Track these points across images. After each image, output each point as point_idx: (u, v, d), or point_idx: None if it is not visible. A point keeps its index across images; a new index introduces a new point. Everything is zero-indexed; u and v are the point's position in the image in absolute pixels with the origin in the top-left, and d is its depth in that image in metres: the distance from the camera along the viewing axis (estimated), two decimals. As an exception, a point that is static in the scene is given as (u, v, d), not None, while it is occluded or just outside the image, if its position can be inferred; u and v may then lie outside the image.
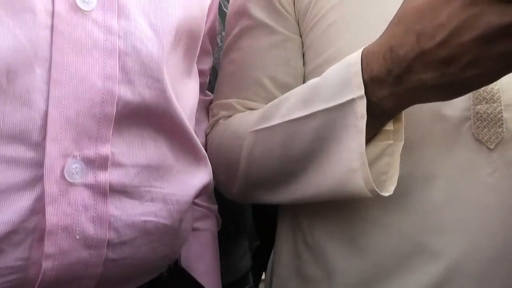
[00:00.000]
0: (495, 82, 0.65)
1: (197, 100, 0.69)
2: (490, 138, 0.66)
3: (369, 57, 0.57)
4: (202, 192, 0.64)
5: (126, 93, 0.51)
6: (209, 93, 0.88)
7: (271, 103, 0.71)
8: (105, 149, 0.51)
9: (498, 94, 0.66)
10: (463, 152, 0.66)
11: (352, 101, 0.57)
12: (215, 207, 0.85)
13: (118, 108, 0.51)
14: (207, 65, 0.82)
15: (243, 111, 0.77)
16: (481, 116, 0.66)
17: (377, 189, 0.58)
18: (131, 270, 0.55)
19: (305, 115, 0.62)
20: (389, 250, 0.67)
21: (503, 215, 0.65)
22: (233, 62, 0.79)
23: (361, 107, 0.57)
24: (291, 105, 0.65)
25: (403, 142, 0.60)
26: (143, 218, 0.54)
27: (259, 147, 0.69)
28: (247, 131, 0.71)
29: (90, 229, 0.50)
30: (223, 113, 0.79)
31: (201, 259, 0.81)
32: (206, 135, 0.81)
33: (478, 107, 0.66)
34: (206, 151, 0.71)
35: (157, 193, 0.56)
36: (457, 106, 0.66)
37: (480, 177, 0.65)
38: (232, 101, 0.78)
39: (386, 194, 0.60)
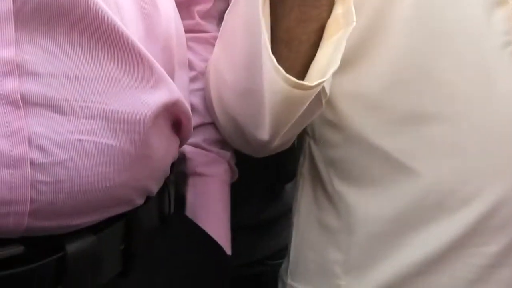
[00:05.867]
0: None
1: (174, 20, 0.62)
2: None
3: None
4: (166, 115, 0.56)
5: None
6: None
7: None
8: (8, 53, 0.44)
9: None
10: (503, 85, 0.56)
11: None
12: (227, 153, 0.77)
13: (17, 4, 0.45)
14: None
15: None
16: None
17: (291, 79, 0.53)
18: (78, 198, 0.49)
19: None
20: (413, 197, 0.61)
21: None
22: None
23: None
24: None
25: (352, 25, 0.51)
26: (77, 136, 0.48)
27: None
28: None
29: (5, 145, 0.44)
30: None
31: (207, 206, 0.74)
32: None
33: None
34: None
35: (95, 109, 0.49)
36: (495, 29, 0.56)
37: None
38: None
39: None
